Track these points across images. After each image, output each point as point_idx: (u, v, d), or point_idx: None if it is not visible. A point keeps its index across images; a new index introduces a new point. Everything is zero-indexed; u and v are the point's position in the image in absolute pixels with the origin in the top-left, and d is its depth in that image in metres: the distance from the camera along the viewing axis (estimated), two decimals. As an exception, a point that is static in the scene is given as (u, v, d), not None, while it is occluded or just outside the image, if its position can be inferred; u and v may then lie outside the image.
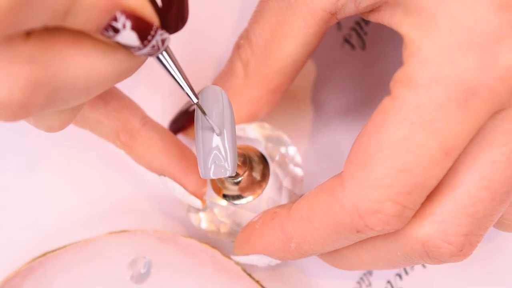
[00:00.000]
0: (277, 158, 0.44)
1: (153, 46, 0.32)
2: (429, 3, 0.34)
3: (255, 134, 0.44)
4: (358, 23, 0.48)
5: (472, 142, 0.35)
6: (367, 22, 0.48)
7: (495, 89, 0.34)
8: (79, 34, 0.31)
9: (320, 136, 0.48)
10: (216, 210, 0.44)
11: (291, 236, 0.39)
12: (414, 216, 0.36)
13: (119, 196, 0.48)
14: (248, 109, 0.43)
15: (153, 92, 0.48)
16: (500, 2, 0.34)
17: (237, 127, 0.43)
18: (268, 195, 0.43)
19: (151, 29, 0.31)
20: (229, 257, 0.44)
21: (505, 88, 0.34)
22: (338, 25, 0.48)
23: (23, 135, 0.48)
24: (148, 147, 0.42)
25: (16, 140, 0.48)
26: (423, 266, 0.48)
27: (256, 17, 0.42)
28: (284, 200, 0.43)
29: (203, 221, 0.44)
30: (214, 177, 0.38)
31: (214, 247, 0.45)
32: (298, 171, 0.44)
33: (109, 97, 0.41)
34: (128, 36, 0.30)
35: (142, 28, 0.31)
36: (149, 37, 0.31)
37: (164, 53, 0.33)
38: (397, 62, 0.36)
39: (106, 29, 0.30)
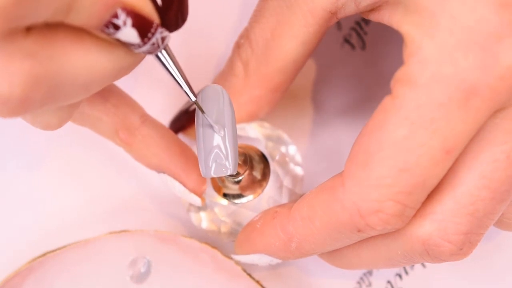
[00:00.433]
0: (277, 157, 0.44)
1: (153, 44, 0.32)
2: (430, 3, 0.34)
3: (255, 133, 0.44)
4: (358, 23, 0.48)
5: (473, 141, 0.35)
6: (367, 22, 0.48)
7: (495, 88, 0.34)
8: (79, 31, 0.31)
9: (320, 136, 0.48)
10: (216, 210, 0.44)
11: (292, 235, 0.39)
12: (415, 215, 0.36)
13: (119, 196, 0.48)
14: (248, 108, 0.43)
15: (153, 92, 0.48)
16: (500, 2, 0.34)
17: (238, 126, 0.43)
18: (269, 194, 0.43)
19: (151, 27, 0.31)
20: (229, 257, 0.44)
21: (505, 87, 0.34)
22: (338, 25, 0.48)
23: (23, 135, 0.48)
24: (148, 144, 0.42)
25: (16, 140, 0.48)
26: (423, 265, 0.48)
27: (256, 16, 0.42)
28: (284, 199, 0.44)
29: (203, 221, 0.44)
30: (215, 176, 0.38)
31: (214, 247, 0.45)
32: (299, 170, 0.44)
33: (108, 94, 0.41)
34: (129, 33, 0.30)
35: (143, 26, 0.31)
36: (149, 35, 0.31)
37: (164, 51, 0.33)
38: (397, 62, 0.36)
39: (106, 26, 0.30)
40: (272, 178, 0.43)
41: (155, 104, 0.45)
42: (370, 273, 0.48)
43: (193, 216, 0.44)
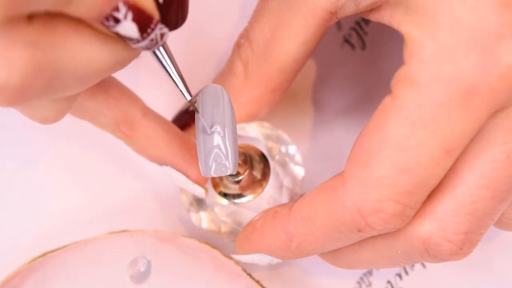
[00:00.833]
0: (277, 157, 0.44)
1: (152, 40, 0.32)
2: (430, 2, 0.34)
3: (255, 133, 0.44)
4: (358, 23, 0.48)
5: (473, 141, 0.35)
6: (367, 22, 0.48)
7: (495, 87, 0.34)
8: (79, 23, 0.31)
9: (320, 136, 0.48)
10: (216, 209, 0.44)
11: (292, 235, 0.39)
12: (415, 214, 0.37)
13: (119, 196, 0.48)
14: (248, 108, 0.43)
15: (154, 92, 0.48)
16: (500, 1, 0.34)
17: (237, 126, 0.43)
18: (269, 194, 0.43)
19: (151, 22, 0.31)
20: (229, 257, 0.44)
21: (505, 86, 0.34)
22: (338, 25, 0.48)
23: (23, 135, 0.48)
24: (149, 137, 0.42)
25: (16, 140, 0.48)
26: (423, 266, 0.48)
27: (256, 16, 0.42)
28: (284, 199, 0.44)
29: (203, 221, 0.44)
30: (215, 175, 0.38)
31: (214, 247, 0.45)
32: (299, 170, 0.44)
33: (109, 87, 0.41)
34: (128, 27, 0.30)
35: (143, 21, 0.31)
36: (149, 30, 0.31)
37: (161, 48, 0.33)
38: (397, 62, 0.36)
39: (107, 18, 0.30)
40: (272, 177, 0.43)
41: (155, 104, 0.45)
42: (370, 273, 0.48)
43: (193, 216, 0.44)
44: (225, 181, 0.42)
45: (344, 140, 0.48)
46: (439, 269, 0.48)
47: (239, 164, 0.40)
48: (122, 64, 0.33)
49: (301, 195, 0.40)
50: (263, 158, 0.42)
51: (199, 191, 0.43)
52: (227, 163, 0.37)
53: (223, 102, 0.37)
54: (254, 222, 0.41)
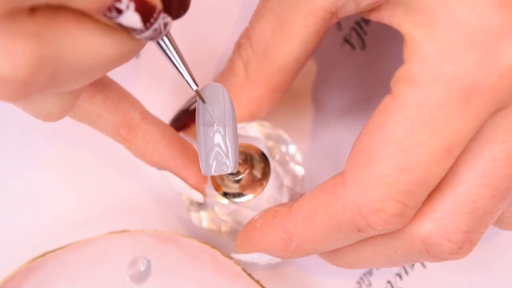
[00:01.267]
0: (277, 156, 0.44)
1: (155, 30, 0.31)
2: (430, 2, 0.34)
3: (255, 132, 0.44)
4: (358, 23, 0.48)
5: (473, 140, 0.35)
6: (367, 22, 0.48)
7: (496, 87, 0.34)
8: (81, 15, 0.30)
9: (321, 136, 0.48)
10: (217, 209, 0.44)
11: (292, 234, 0.39)
12: (415, 214, 0.37)
13: (119, 196, 0.48)
14: (249, 108, 0.43)
15: (154, 92, 0.48)
16: (499, 1, 0.34)
17: (238, 125, 0.43)
18: (269, 193, 0.43)
19: (154, 12, 0.31)
20: (229, 257, 0.44)
21: (505, 85, 0.34)
22: (338, 25, 0.48)
23: (23, 135, 0.48)
24: (148, 141, 0.42)
25: (16, 140, 0.48)
26: (423, 265, 0.48)
27: (257, 16, 0.42)
28: (285, 198, 0.44)
29: (204, 220, 0.44)
30: (215, 174, 0.38)
31: (214, 247, 0.45)
32: (299, 170, 0.44)
33: (108, 91, 0.41)
34: (131, 18, 0.30)
35: (146, 11, 0.30)
36: (152, 20, 0.31)
37: (165, 38, 0.33)
38: (397, 62, 0.36)
39: (109, 9, 0.30)
40: (272, 177, 0.43)
41: (155, 104, 0.45)
42: (370, 273, 0.48)
43: (194, 216, 0.45)
44: (226, 180, 0.42)
45: (344, 140, 0.48)
46: (439, 269, 0.48)
47: (239, 163, 0.40)
48: (126, 56, 0.33)
49: (301, 195, 0.40)
50: (264, 158, 0.42)
51: (197, 196, 0.43)
52: (227, 161, 0.37)
53: (224, 101, 0.37)
54: (254, 221, 0.41)
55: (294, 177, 0.44)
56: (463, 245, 0.37)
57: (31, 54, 0.29)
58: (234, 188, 0.42)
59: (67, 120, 0.42)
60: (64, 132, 0.47)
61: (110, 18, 0.30)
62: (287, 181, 0.44)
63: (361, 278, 0.48)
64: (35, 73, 0.30)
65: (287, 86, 0.43)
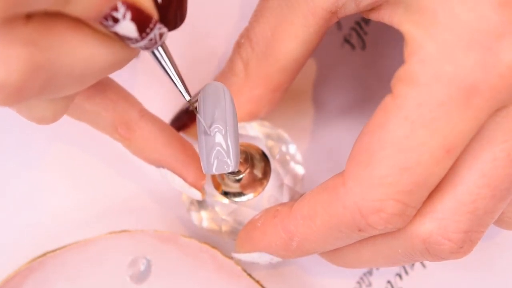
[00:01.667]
0: (278, 156, 0.44)
1: (151, 40, 0.32)
2: (430, 2, 0.34)
3: (255, 132, 0.44)
4: (358, 23, 0.48)
5: (474, 140, 0.35)
6: (367, 22, 0.48)
7: (496, 86, 0.34)
8: (78, 22, 0.31)
9: (321, 135, 0.48)
10: (217, 208, 0.44)
11: (292, 234, 0.39)
12: (415, 213, 0.37)
13: (119, 196, 0.48)
14: (249, 108, 0.43)
15: (154, 91, 0.48)
16: (499, 0, 0.34)
17: (238, 125, 0.43)
18: (270, 193, 0.43)
19: (150, 22, 0.31)
20: (229, 257, 0.44)
21: (505, 85, 0.34)
22: (338, 25, 0.48)
23: (23, 135, 0.48)
24: (147, 139, 0.42)
25: (16, 141, 0.48)
26: (423, 265, 0.48)
27: (257, 16, 0.42)
28: (285, 197, 0.44)
29: (204, 220, 0.44)
30: (216, 173, 0.38)
31: (214, 247, 0.45)
32: (299, 169, 0.44)
33: (107, 89, 0.41)
34: (127, 27, 0.30)
35: (142, 20, 0.31)
36: (148, 30, 0.31)
37: (160, 48, 0.33)
38: (397, 62, 0.36)
39: (105, 18, 0.30)
40: (272, 176, 0.43)
41: (155, 104, 0.45)
42: (370, 273, 0.48)
43: (194, 215, 0.45)
44: (226, 180, 0.42)
45: (344, 139, 0.48)
46: (439, 269, 0.48)
47: (240, 162, 0.40)
48: (120, 64, 0.33)
49: (302, 194, 0.40)
50: (264, 157, 0.42)
51: (196, 194, 0.43)
52: (228, 160, 0.37)
53: (225, 100, 0.37)
54: (254, 221, 0.41)
55: (294, 176, 0.44)
56: (464, 244, 0.37)
57: (25, 60, 0.29)
58: (234, 187, 0.42)
59: (67, 120, 0.42)
60: (64, 132, 0.47)
61: (106, 27, 0.30)
62: (287, 180, 0.44)
63: (361, 278, 0.48)
64: (29, 79, 0.30)
65: (287, 86, 0.43)
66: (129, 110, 0.42)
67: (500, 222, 0.40)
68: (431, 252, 0.37)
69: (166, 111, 0.47)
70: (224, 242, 0.46)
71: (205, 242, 0.45)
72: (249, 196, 0.42)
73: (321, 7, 0.40)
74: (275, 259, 0.41)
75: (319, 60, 0.48)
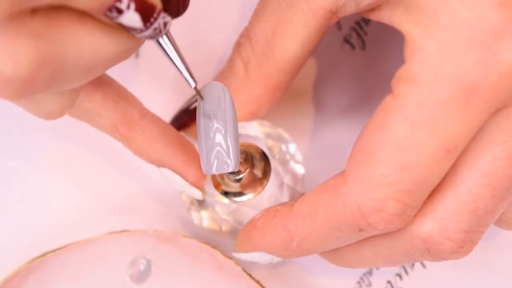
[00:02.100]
0: (278, 155, 0.44)
1: (155, 29, 0.32)
2: (430, 1, 0.34)
3: (255, 131, 0.44)
4: (358, 23, 0.48)
5: (474, 140, 0.35)
6: (367, 22, 0.48)
7: (496, 86, 0.34)
8: (82, 14, 0.31)
9: (321, 135, 0.48)
10: (217, 208, 0.44)
11: (293, 234, 0.39)
12: (416, 213, 0.37)
13: (119, 196, 0.48)
14: (249, 107, 0.43)
15: (154, 91, 0.48)
16: (499, 0, 0.34)
17: (238, 124, 0.43)
18: (270, 192, 0.43)
19: (154, 12, 0.31)
20: (229, 257, 0.44)
21: (506, 85, 0.34)
22: (338, 25, 0.48)
23: (23, 135, 0.48)
24: (148, 138, 0.42)
25: (16, 140, 0.48)
26: (423, 266, 0.48)
27: (257, 15, 0.42)
28: (285, 197, 0.44)
29: (204, 220, 0.44)
30: (216, 173, 0.38)
31: (214, 247, 0.45)
32: (299, 169, 0.44)
33: (107, 89, 0.41)
34: (131, 18, 0.31)
35: (145, 10, 0.31)
36: (152, 19, 0.31)
37: (165, 37, 0.33)
38: (397, 62, 0.36)
39: (110, 9, 0.30)
40: (273, 176, 0.43)
41: (155, 103, 0.45)
42: (370, 273, 0.48)
43: (194, 215, 0.45)
44: (226, 180, 0.42)
45: (344, 139, 0.48)
46: (439, 269, 0.48)
47: (240, 162, 0.40)
48: (126, 54, 0.33)
49: (302, 194, 0.40)
50: (264, 157, 0.42)
51: (196, 193, 0.43)
52: (228, 160, 0.38)
53: (225, 100, 0.37)
54: (255, 221, 0.41)
55: (294, 176, 0.44)
56: (464, 244, 0.37)
57: (33, 53, 0.29)
58: (234, 187, 0.42)
59: (67, 120, 0.42)
60: (64, 132, 0.48)
61: (111, 18, 0.30)
62: (287, 180, 0.44)
63: (361, 278, 0.48)
64: (37, 72, 0.30)
65: (287, 86, 0.43)
66: (129, 109, 0.42)
67: (500, 222, 0.40)
68: (431, 252, 0.37)
69: (167, 110, 0.47)
70: (224, 242, 0.46)
71: (205, 242, 0.45)
72: (249, 196, 0.42)
73: (321, 6, 0.40)
74: (275, 259, 0.41)
75: (319, 60, 0.48)
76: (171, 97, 0.48)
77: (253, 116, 0.43)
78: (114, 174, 0.48)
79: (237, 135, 0.38)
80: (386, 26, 0.38)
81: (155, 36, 0.32)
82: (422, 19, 0.35)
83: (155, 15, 0.31)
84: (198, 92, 0.37)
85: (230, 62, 0.43)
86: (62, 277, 0.45)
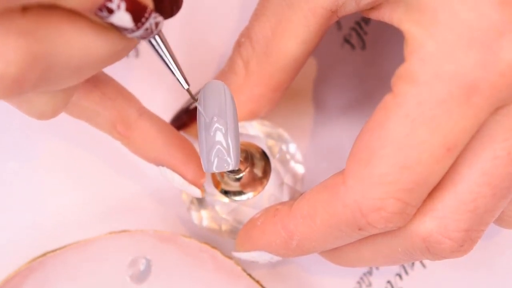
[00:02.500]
0: (278, 155, 0.44)
1: (147, 29, 0.32)
2: (430, 0, 0.35)
3: (255, 131, 0.44)
4: (358, 23, 0.48)
5: (474, 138, 0.35)
6: (367, 22, 0.48)
7: (496, 84, 0.34)
8: (73, 14, 0.31)
9: (321, 135, 0.48)
10: (217, 208, 0.44)
11: (292, 233, 0.39)
12: (415, 212, 0.37)
13: (119, 196, 0.48)
14: (249, 107, 0.43)
15: (154, 91, 0.48)
16: (500, -1, 0.34)
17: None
18: (270, 192, 0.43)
19: (145, 12, 0.31)
20: (229, 257, 0.44)
21: (506, 84, 0.34)
22: (338, 24, 0.48)
23: (23, 135, 0.48)
24: (146, 137, 0.42)
25: (16, 140, 0.48)
26: (423, 265, 0.48)
27: (257, 15, 0.42)
28: (285, 196, 0.44)
29: (204, 219, 0.44)
30: (216, 171, 0.38)
31: (214, 247, 0.45)
32: (299, 168, 0.44)
33: (105, 87, 0.41)
34: (122, 18, 0.30)
35: (137, 10, 0.31)
36: (143, 20, 0.31)
37: (157, 37, 0.33)
38: (397, 61, 0.36)
39: (100, 9, 0.30)
40: (273, 175, 0.43)
41: (155, 103, 0.45)
42: (370, 272, 0.48)
43: (194, 215, 0.45)
44: (226, 178, 0.42)
45: (344, 138, 0.48)
46: (439, 268, 0.48)
47: (240, 161, 0.40)
48: (118, 54, 0.33)
49: (302, 193, 0.40)
50: (264, 156, 0.42)
51: (196, 192, 0.43)
52: (228, 158, 0.38)
53: (225, 98, 0.37)
54: (254, 220, 0.41)
55: (294, 175, 0.44)
56: (464, 243, 0.37)
57: (23, 52, 0.29)
58: (234, 186, 0.42)
59: (67, 120, 0.42)
60: (64, 132, 0.48)
61: (102, 18, 0.30)
62: (287, 179, 0.44)
63: (361, 278, 0.48)
64: (27, 70, 0.30)
65: (287, 85, 0.43)
66: (128, 108, 0.42)
67: (500, 221, 0.40)
68: (431, 251, 0.37)
69: (167, 110, 0.47)
70: (224, 241, 0.46)
71: (205, 242, 0.45)
72: (249, 195, 0.42)
73: (321, 6, 0.40)
74: (275, 258, 0.41)
75: (319, 60, 0.48)
76: (171, 97, 0.48)
77: (253, 115, 0.43)
78: (114, 174, 0.48)
79: (237, 133, 0.38)
80: (386, 26, 0.38)
81: (146, 37, 0.32)
82: (422, 18, 0.35)
83: (146, 15, 0.31)
84: (190, 94, 0.37)
85: (231, 62, 0.43)
86: (62, 277, 0.45)
